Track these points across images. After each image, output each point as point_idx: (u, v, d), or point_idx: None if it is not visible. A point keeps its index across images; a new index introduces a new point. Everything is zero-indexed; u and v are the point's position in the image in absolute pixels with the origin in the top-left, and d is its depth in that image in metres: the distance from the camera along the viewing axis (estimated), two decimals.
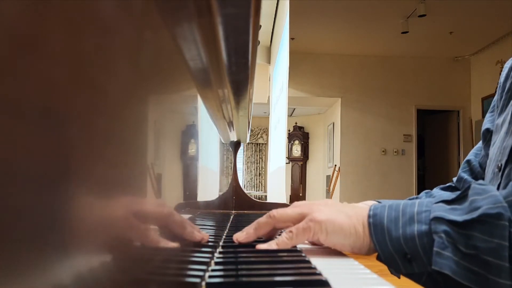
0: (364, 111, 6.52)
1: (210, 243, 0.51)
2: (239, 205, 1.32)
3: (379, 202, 0.65)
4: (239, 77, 0.63)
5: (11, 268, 0.12)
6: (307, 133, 8.48)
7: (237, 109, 0.89)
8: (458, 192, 0.46)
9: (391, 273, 0.51)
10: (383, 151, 6.48)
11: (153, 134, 0.31)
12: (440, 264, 0.42)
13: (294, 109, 7.80)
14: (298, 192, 8.10)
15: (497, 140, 0.60)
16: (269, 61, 5.67)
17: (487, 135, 0.68)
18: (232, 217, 1.09)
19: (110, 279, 0.21)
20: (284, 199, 3.35)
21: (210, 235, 0.56)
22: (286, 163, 6.03)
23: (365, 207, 0.51)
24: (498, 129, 0.62)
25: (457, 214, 0.43)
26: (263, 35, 5.16)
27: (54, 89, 0.15)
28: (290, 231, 0.51)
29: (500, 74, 0.69)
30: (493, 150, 0.61)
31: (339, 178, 6.51)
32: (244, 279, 0.37)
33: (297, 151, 8.35)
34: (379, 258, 0.48)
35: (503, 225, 0.40)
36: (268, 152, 6.40)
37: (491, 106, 0.70)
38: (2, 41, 0.11)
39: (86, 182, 0.18)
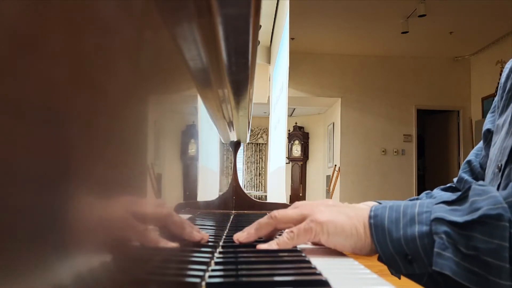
0: (364, 111, 6.51)
1: (210, 243, 0.51)
2: (239, 205, 1.31)
3: (379, 203, 0.65)
4: (239, 77, 0.63)
5: (11, 268, 0.12)
6: (307, 133, 8.48)
7: (237, 109, 0.89)
8: (458, 193, 0.46)
9: (392, 274, 0.51)
10: (383, 151, 6.48)
11: (153, 134, 0.31)
12: (440, 265, 0.42)
13: (294, 109, 7.80)
14: (298, 192, 8.10)
15: (497, 141, 0.61)
16: (269, 61, 5.67)
17: (488, 136, 0.68)
18: (232, 217, 1.09)
19: (110, 279, 0.21)
20: (284, 199, 3.35)
21: (210, 235, 0.56)
22: (286, 163, 6.03)
23: (365, 208, 0.51)
24: (498, 129, 0.62)
25: (458, 215, 0.43)
26: (263, 35, 5.16)
27: (54, 89, 0.15)
28: (291, 231, 0.51)
29: (500, 74, 0.69)
30: (493, 151, 0.61)
31: (339, 178, 6.51)
32: (244, 279, 0.37)
33: (297, 151, 8.35)
34: (380, 259, 0.48)
35: (503, 226, 0.40)
36: (268, 152, 6.40)
37: (492, 106, 0.70)
38: (2, 41, 0.11)
39: (86, 182, 0.18)
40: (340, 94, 6.54)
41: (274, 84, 4.57)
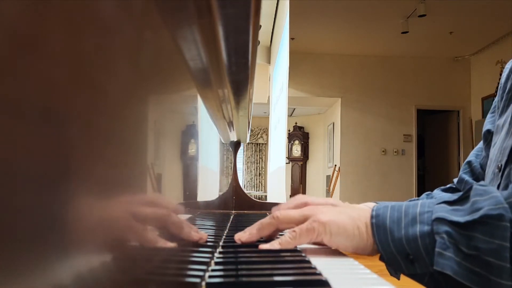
0: (364, 111, 6.52)
1: (210, 243, 0.51)
2: (239, 205, 1.31)
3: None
4: (239, 77, 0.63)
5: (11, 268, 0.12)
6: (307, 133, 8.48)
7: (237, 109, 0.89)
8: (460, 193, 0.46)
9: (391, 274, 0.51)
10: (383, 151, 6.48)
11: (153, 134, 0.31)
12: (441, 265, 0.42)
13: (294, 109, 7.80)
14: (298, 192, 8.10)
15: (497, 141, 0.61)
16: (269, 61, 5.67)
17: (488, 136, 0.68)
18: (232, 217, 1.09)
19: (110, 279, 0.21)
20: (284, 199, 3.35)
21: (210, 235, 0.56)
22: (286, 163, 6.03)
23: (367, 208, 0.51)
24: (498, 130, 0.62)
25: (459, 215, 0.43)
26: (263, 35, 5.16)
27: (54, 89, 0.15)
28: (294, 231, 0.51)
29: (500, 74, 0.69)
30: (494, 151, 0.61)
31: (339, 178, 6.51)
32: (244, 279, 0.37)
33: (297, 151, 8.35)
34: (382, 259, 0.48)
35: (504, 226, 0.40)
36: (268, 152, 6.40)
37: (492, 107, 0.70)
38: (2, 41, 0.11)
39: (86, 182, 0.18)
40: (340, 94, 6.54)
41: (274, 84, 4.57)
